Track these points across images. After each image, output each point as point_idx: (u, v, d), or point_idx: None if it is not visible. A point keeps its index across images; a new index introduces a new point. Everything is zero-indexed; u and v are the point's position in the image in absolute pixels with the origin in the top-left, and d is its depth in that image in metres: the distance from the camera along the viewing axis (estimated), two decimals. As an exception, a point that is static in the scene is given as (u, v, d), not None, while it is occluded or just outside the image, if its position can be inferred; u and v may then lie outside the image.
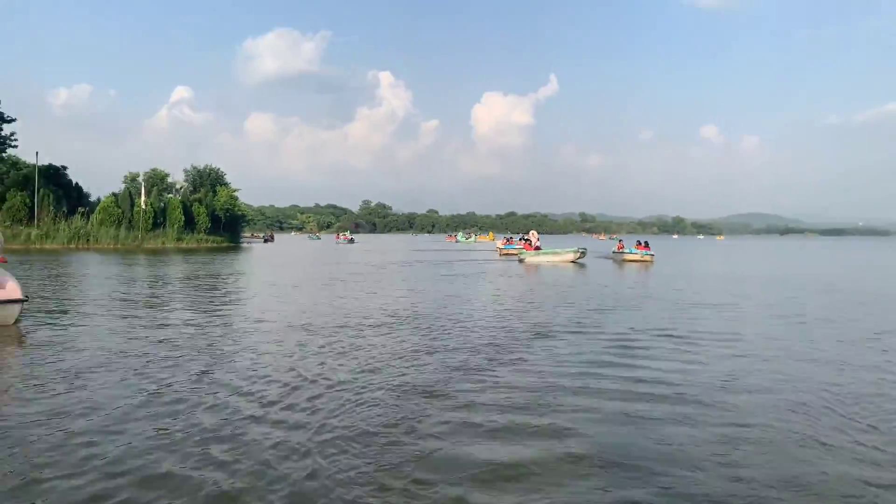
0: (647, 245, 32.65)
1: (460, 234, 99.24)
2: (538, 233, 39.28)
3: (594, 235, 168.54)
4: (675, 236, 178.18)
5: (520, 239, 35.77)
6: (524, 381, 6.79)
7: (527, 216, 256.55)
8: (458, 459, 4.65)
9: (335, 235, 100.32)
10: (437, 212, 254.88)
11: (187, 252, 42.70)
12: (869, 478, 4.41)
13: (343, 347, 8.53)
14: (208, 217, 57.46)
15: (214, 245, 55.98)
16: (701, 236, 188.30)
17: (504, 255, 39.13)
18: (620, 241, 38.15)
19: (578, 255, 31.21)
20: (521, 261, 31.53)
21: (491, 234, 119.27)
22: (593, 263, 30.33)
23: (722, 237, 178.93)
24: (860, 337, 9.72)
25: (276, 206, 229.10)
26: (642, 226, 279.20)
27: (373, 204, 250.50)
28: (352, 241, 78.83)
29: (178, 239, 52.90)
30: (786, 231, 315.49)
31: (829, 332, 10.14)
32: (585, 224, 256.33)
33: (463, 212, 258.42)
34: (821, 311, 12.93)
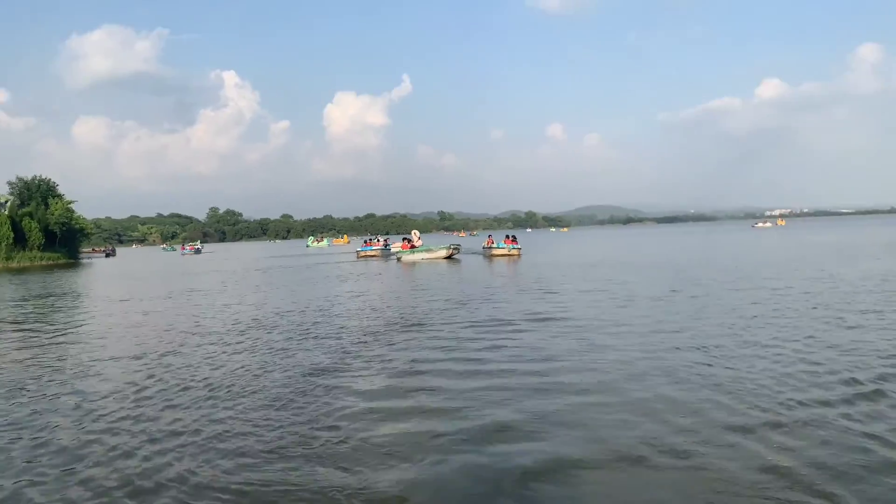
0: (514, 239, 34.22)
1: (310, 238, 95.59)
2: (412, 233, 39.94)
3: (454, 233, 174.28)
4: (529, 230, 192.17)
5: (403, 240, 37.15)
6: (392, 367, 7.39)
7: (386, 217, 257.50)
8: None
9: (181, 246, 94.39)
10: (291, 217, 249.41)
11: (17, 272, 38.62)
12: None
13: (197, 361, 8.45)
14: (41, 232, 52.83)
15: (50, 262, 52.42)
16: (553, 229, 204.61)
17: (363, 256, 39.28)
18: (490, 236, 39.59)
19: (452, 251, 32.60)
20: (398, 260, 32.46)
21: (346, 237, 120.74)
22: (466, 259, 31.66)
23: (566, 229, 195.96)
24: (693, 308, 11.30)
25: (112, 217, 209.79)
26: (498, 222, 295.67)
27: (221, 211, 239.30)
28: (199, 251, 75.57)
29: (8, 258, 48.82)
30: (627, 221, 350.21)
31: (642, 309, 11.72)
32: (445, 222, 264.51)
33: (319, 215, 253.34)
34: (657, 288, 14.66)
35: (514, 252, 33.02)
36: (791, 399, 5.86)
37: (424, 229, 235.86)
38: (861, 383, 6.27)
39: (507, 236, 34.91)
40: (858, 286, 13.64)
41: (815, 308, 10.90)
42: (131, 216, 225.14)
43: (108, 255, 75.72)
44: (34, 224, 52.60)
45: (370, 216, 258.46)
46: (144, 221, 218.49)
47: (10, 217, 50.58)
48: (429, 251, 33.18)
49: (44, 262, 52.11)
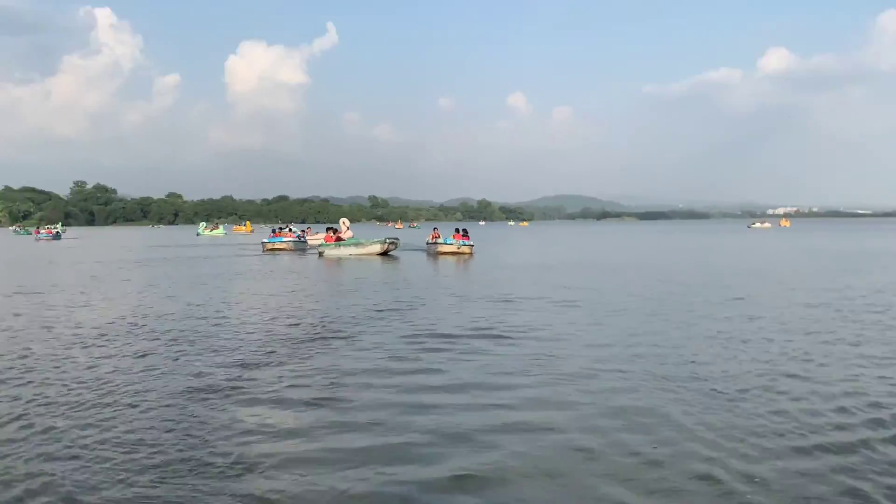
0: (465, 234, 33.90)
1: (201, 224, 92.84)
2: (340, 223, 39.33)
3: (389, 224, 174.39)
4: (483, 223, 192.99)
5: (328, 230, 36.38)
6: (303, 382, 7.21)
7: (303, 201, 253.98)
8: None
9: (35, 230, 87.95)
10: (180, 196, 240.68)
11: None
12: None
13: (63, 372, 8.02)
14: None
15: None
16: (511, 222, 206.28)
17: (270, 250, 38.44)
18: (436, 228, 38.54)
19: (388, 246, 32.66)
20: (320, 255, 32.23)
21: (248, 224, 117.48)
22: (405, 257, 31.74)
23: (526, 223, 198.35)
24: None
25: None
26: (445, 211, 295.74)
27: (89, 186, 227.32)
28: (58, 236, 72.13)
29: None
30: (603, 215, 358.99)
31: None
32: (377, 210, 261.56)
33: (217, 196, 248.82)
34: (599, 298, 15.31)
35: (465, 250, 32.88)
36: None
37: (352, 218, 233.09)
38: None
39: (457, 230, 34.75)
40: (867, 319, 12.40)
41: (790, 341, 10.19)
42: None
43: None
44: None
45: (282, 199, 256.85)
46: None
47: None
48: (359, 245, 33.04)
49: None
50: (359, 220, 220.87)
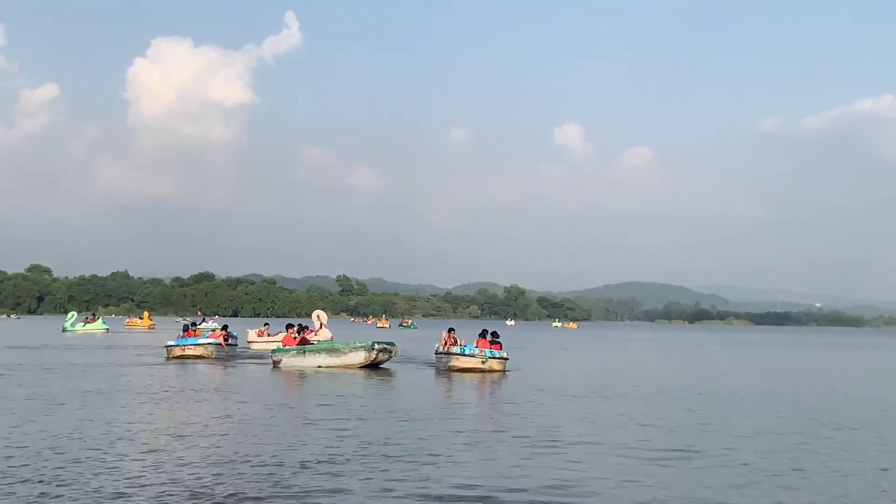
0: (495, 339, 33.29)
1: (70, 315, 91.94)
2: (314, 316, 39.37)
3: (367, 320, 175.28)
4: (511, 322, 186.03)
5: (288, 326, 36.26)
6: None
7: (235, 282, 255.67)
8: None
9: None
10: (48, 271, 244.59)
11: None
12: None
13: None
14: None
15: None
16: (557, 323, 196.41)
17: (178, 357, 37.70)
18: (451, 331, 35.79)
19: (376, 354, 32.76)
20: (275, 364, 32.64)
21: (147, 315, 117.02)
22: (403, 371, 31.66)
23: (575, 325, 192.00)
24: None
25: None
26: (453, 302, 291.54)
27: None
28: None
29: None
30: (697, 315, 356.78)
31: None
32: (349, 299, 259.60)
33: (103, 271, 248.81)
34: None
35: (496, 365, 32.29)
36: None
37: (305, 308, 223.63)
38: None
39: (484, 333, 34.38)
40: None
41: None
42: None
43: None
44: None
45: (205, 278, 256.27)
46: None
47: None
48: (333, 352, 33.27)
49: None
50: (314, 312, 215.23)
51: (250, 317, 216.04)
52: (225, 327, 42.78)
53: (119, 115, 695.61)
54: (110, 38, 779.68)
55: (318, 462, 12.99)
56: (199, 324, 42.78)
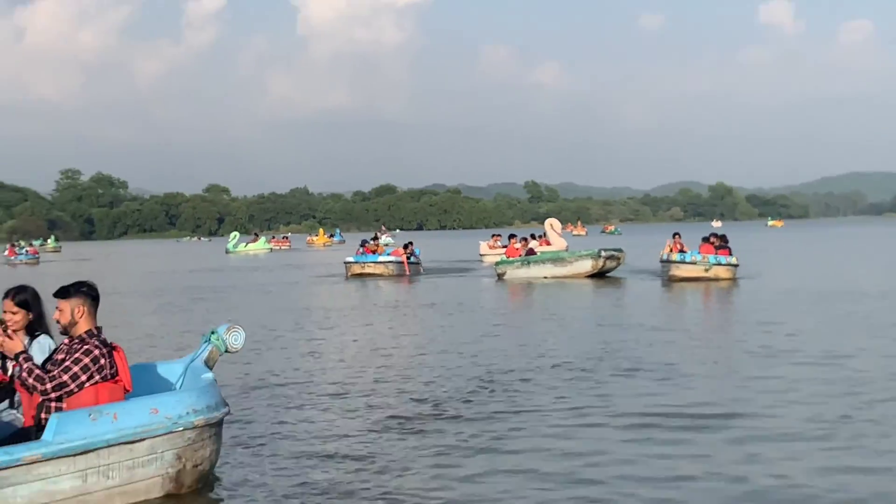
0: (723, 243, 30.90)
1: (233, 235, 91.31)
2: (548, 225, 39.74)
3: (566, 227, 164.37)
4: (717, 223, 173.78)
5: (511, 237, 36.22)
6: None
7: (418, 194, 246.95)
8: None
9: (8, 248, 76.79)
10: (226, 191, 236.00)
11: None
12: None
13: None
14: None
15: None
16: (770, 221, 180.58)
17: (358, 274, 36.88)
18: (677, 235, 33.14)
19: (602, 262, 32.26)
20: (498, 277, 32.89)
21: (322, 232, 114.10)
22: (631, 282, 30.79)
23: (780, 223, 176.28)
24: None
25: None
26: (652, 204, 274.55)
27: (85, 178, 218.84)
28: (37, 258, 71.42)
29: None
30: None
31: None
32: (539, 205, 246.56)
33: (282, 188, 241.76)
34: None
35: (723, 272, 29.82)
36: None
37: (492, 219, 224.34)
38: None
39: (710, 236, 31.73)
40: None
41: None
42: None
43: None
44: None
45: (386, 191, 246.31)
46: None
47: None
48: (560, 261, 33.20)
49: None
50: (503, 224, 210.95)
51: (436, 229, 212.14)
52: (408, 245, 40.87)
53: (287, 24, 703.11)
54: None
55: (535, 372, 12.87)
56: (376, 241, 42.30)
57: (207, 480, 7.47)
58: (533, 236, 38.73)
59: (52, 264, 67.81)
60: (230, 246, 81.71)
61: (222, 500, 7.30)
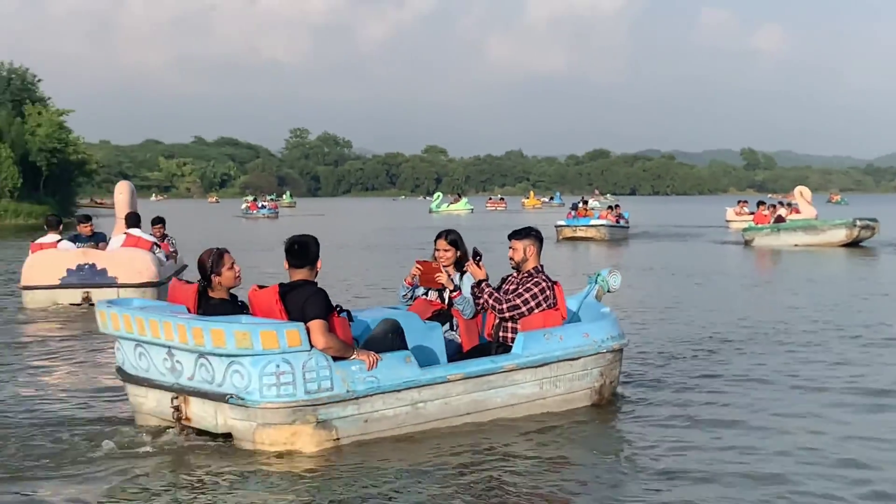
0: None
1: (436, 196, 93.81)
2: (797, 194, 38.67)
3: (775, 195, 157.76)
4: None
5: (759, 204, 36.16)
6: None
7: (631, 159, 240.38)
8: None
9: (249, 203, 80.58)
10: (444, 152, 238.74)
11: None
12: None
13: None
14: (16, 165, 50.63)
15: (29, 221, 50.49)
16: None
17: (568, 238, 36.57)
18: None
19: (857, 231, 31.30)
20: (747, 242, 32.51)
21: (532, 194, 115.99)
22: (886, 254, 29.04)
23: None
24: None
25: (117, 143, 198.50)
26: (874, 176, 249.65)
27: (312, 137, 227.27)
28: (276, 212, 74.29)
29: None
30: None
31: None
32: (755, 173, 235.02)
33: (498, 150, 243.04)
34: None
35: None
36: None
37: (715, 186, 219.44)
38: None
39: None
40: None
41: None
42: (147, 140, 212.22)
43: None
44: (4, 149, 50.64)
45: (600, 155, 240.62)
46: (171, 152, 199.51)
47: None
48: (812, 229, 32.53)
49: (18, 221, 49.85)
50: (727, 189, 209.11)
51: (648, 195, 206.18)
52: (613, 207, 40.28)
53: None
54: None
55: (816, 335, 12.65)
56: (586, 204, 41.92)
57: (615, 396, 8.74)
58: (781, 203, 37.87)
59: (289, 218, 69.89)
60: (433, 206, 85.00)
61: (633, 411, 8.48)
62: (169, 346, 7.05)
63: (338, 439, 7.01)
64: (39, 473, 6.65)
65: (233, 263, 7.73)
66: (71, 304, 15.56)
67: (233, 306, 7.65)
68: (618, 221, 37.43)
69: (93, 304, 12.84)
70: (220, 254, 7.69)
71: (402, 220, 63.78)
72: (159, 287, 15.23)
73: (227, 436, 7.06)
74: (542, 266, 8.24)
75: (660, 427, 7.85)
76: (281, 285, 7.19)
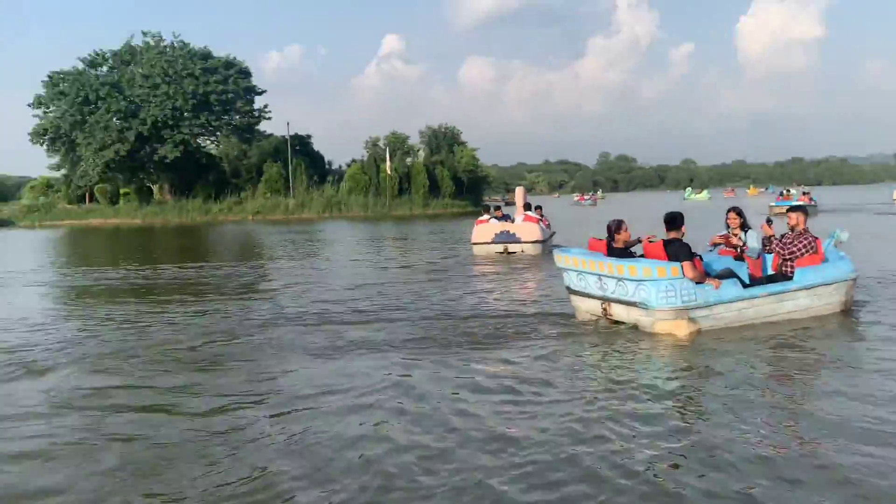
0: None
1: (688, 190, 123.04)
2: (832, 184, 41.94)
3: None
4: None
5: None
6: None
7: (818, 162, 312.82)
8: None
9: (578, 196, 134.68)
10: (694, 162, 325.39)
11: (434, 218, 65.10)
12: None
13: None
14: (451, 180, 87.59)
15: (459, 210, 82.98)
16: None
17: (776, 213, 41.05)
18: None
19: None
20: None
21: (753, 187, 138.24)
22: None
23: None
24: None
25: (499, 164, 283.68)
26: None
27: (612, 157, 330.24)
28: (594, 202, 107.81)
29: (424, 205, 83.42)
30: None
31: None
32: None
33: (727, 160, 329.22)
34: None
35: None
36: None
37: (872, 178, 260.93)
38: None
39: None
40: None
41: None
42: (518, 163, 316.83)
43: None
44: (445, 172, 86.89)
45: (795, 160, 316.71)
46: (531, 169, 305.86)
47: (424, 166, 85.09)
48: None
49: (454, 210, 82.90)
50: (880, 180, 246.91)
51: (829, 185, 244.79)
52: (805, 193, 51.81)
53: (731, 58, 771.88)
54: (724, 3, 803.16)
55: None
56: (790, 193, 50.40)
57: (854, 306, 13.08)
58: None
59: (602, 207, 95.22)
60: (685, 195, 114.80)
61: (863, 316, 12.71)
62: (599, 275, 11.93)
63: (698, 329, 11.07)
64: (511, 344, 11.18)
65: (626, 228, 12.21)
66: (497, 253, 26.13)
67: (627, 253, 12.17)
68: (810, 202, 51.10)
69: (511, 253, 25.87)
70: (618, 222, 12.23)
71: (669, 206, 70.15)
72: (543, 244, 26.01)
73: (634, 326, 11.39)
74: (807, 228, 12.59)
75: (884, 325, 11.86)
76: (663, 241, 11.46)
